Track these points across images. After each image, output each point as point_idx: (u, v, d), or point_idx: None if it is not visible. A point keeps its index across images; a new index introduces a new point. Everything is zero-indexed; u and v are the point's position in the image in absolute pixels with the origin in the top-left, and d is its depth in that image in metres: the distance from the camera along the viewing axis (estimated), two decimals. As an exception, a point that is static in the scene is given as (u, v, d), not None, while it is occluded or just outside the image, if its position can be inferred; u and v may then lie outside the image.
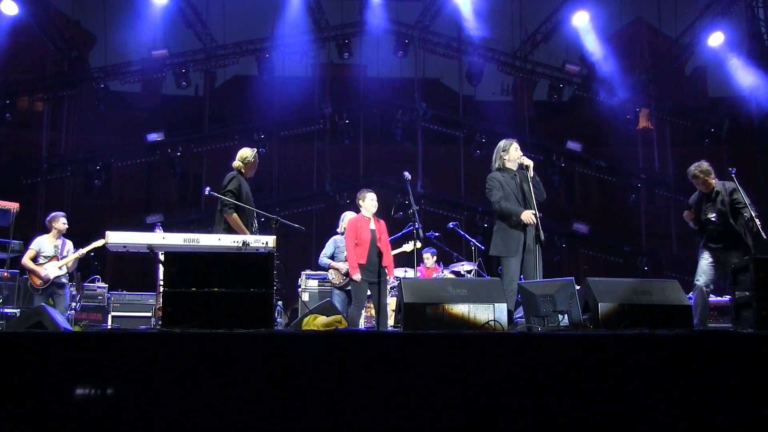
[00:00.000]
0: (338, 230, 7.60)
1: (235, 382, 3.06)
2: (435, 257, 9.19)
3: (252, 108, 15.89)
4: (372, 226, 6.79)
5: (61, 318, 4.77)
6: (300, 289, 8.65)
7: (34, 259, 7.52)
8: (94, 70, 15.45)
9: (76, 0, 16.36)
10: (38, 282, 7.48)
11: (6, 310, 7.76)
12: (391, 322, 6.62)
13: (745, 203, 5.70)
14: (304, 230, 6.17)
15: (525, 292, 4.75)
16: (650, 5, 16.58)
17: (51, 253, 7.59)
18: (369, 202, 6.83)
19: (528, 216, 5.37)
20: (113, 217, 16.75)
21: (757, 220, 5.53)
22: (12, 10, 13.18)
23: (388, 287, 7.02)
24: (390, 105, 15.78)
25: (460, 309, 4.09)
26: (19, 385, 2.99)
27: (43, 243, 7.63)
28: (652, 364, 3.20)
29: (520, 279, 5.47)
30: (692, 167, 6.04)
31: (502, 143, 5.77)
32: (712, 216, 5.94)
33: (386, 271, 6.75)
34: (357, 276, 6.60)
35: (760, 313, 3.97)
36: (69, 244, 7.77)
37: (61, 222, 7.69)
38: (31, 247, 7.61)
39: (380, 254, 6.72)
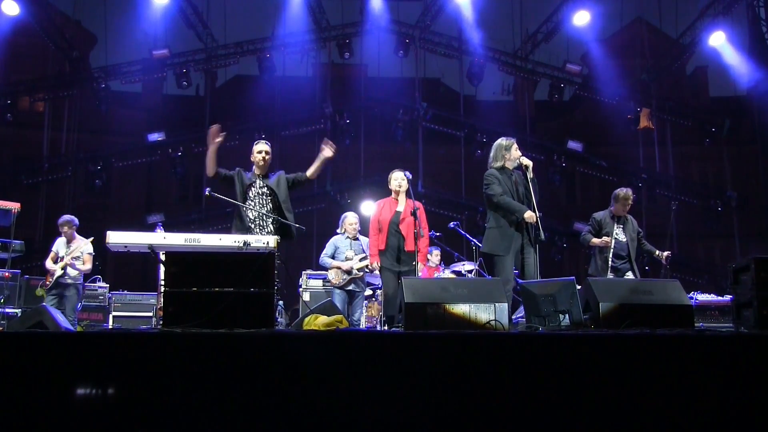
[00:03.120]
0: (338, 230, 7.59)
1: (235, 382, 3.06)
2: (438, 257, 9.15)
3: (253, 108, 15.89)
4: (399, 207, 6.20)
5: (62, 318, 4.78)
6: (301, 289, 8.64)
7: (54, 261, 7.62)
8: (94, 70, 15.46)
9: (76, 0, 16.36)
10: (48, 280, 7.56)
11: (7, 310, 7.76)
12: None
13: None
14: (304, 230, 6.13)
15: (526, 292, 4.75)
16: (651, 5, 16.57)
17: (63, 255, 7.64)
18: (393, 182, 6.27)
19: (531, 215, 5.35)
20: (114, 217, 16.77)
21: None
22: (13, 10, 13.20)
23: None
24: (390, 105, 15.76)
25: (461, 309, 4.08)
26: (19, 385, 2.99)
27: (59, 246, 7.69)
28: (652, 363, 3.20)
29: (518, 279, 5.46)
30: (628, 192, 6.87)
31: (503, 142, 5.67)
32: (624, 238, 6.80)
33: (411, 257, 6.03)
34: (374, 264, 6.11)
35: (761, 312, 3.97)
36: (74, 244, 7.63)
37: (62, 227, 7.66)
38: (51, 249, 7.71)
39: (402, 238, 6.09)
